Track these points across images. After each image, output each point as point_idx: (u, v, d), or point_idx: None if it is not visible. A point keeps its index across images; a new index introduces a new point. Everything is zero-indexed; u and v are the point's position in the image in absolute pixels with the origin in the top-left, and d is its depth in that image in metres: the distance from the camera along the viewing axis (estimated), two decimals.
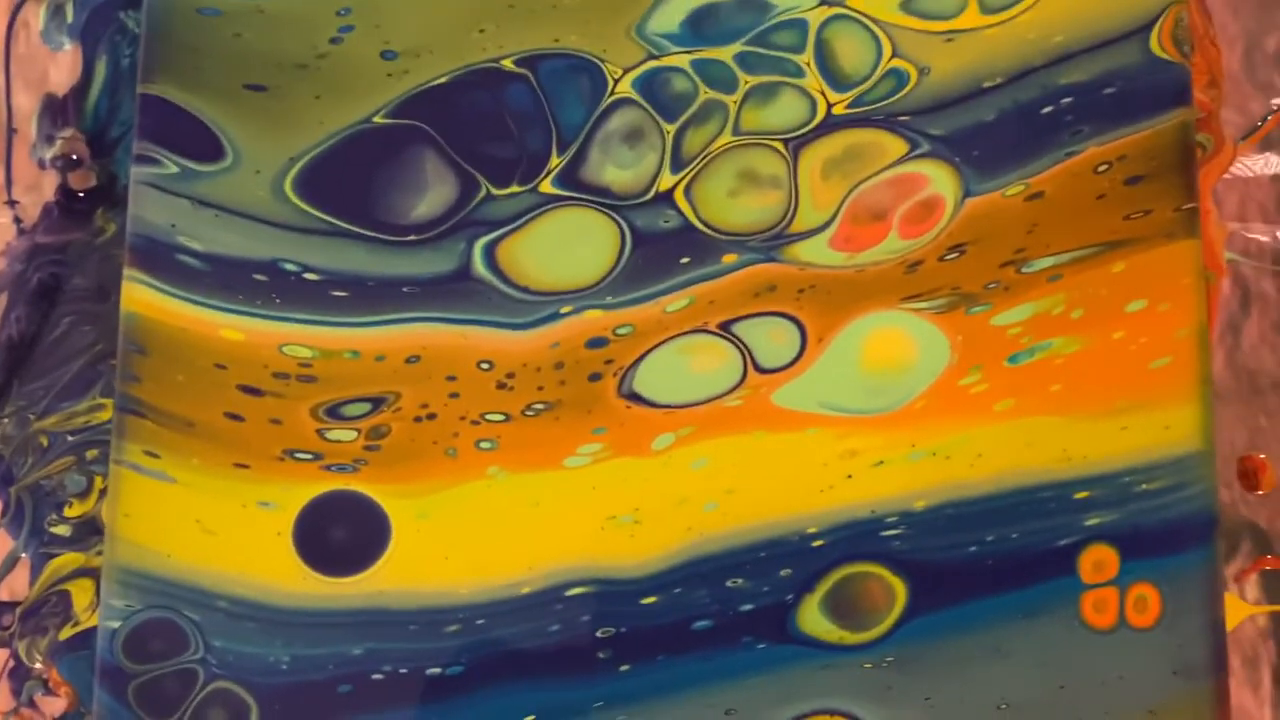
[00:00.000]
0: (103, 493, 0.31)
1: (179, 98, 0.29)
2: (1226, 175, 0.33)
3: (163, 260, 0.28)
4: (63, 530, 0.31)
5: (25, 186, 0.33)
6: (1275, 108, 0.34)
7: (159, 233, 0.29)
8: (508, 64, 0.29)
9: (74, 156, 0.33)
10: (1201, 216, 0.31)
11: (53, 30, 0.33)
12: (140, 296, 0.28)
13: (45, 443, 0.32)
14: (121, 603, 0.28)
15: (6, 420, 0.32)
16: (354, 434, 0.28)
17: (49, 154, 0.33)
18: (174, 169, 0.29)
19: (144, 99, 0.29)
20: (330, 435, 0.28)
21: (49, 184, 0.33)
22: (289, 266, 0.29)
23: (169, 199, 0.29)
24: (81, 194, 0.33)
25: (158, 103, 0.29)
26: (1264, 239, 0.33)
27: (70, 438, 0.32)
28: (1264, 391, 0.33)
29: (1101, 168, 0.29)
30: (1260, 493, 0.32)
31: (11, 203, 0.33)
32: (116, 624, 0.28)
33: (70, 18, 0.33)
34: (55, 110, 0.33)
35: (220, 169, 0.29)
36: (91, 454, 0.32)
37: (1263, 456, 0.32)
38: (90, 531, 0.31)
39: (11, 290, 0.32)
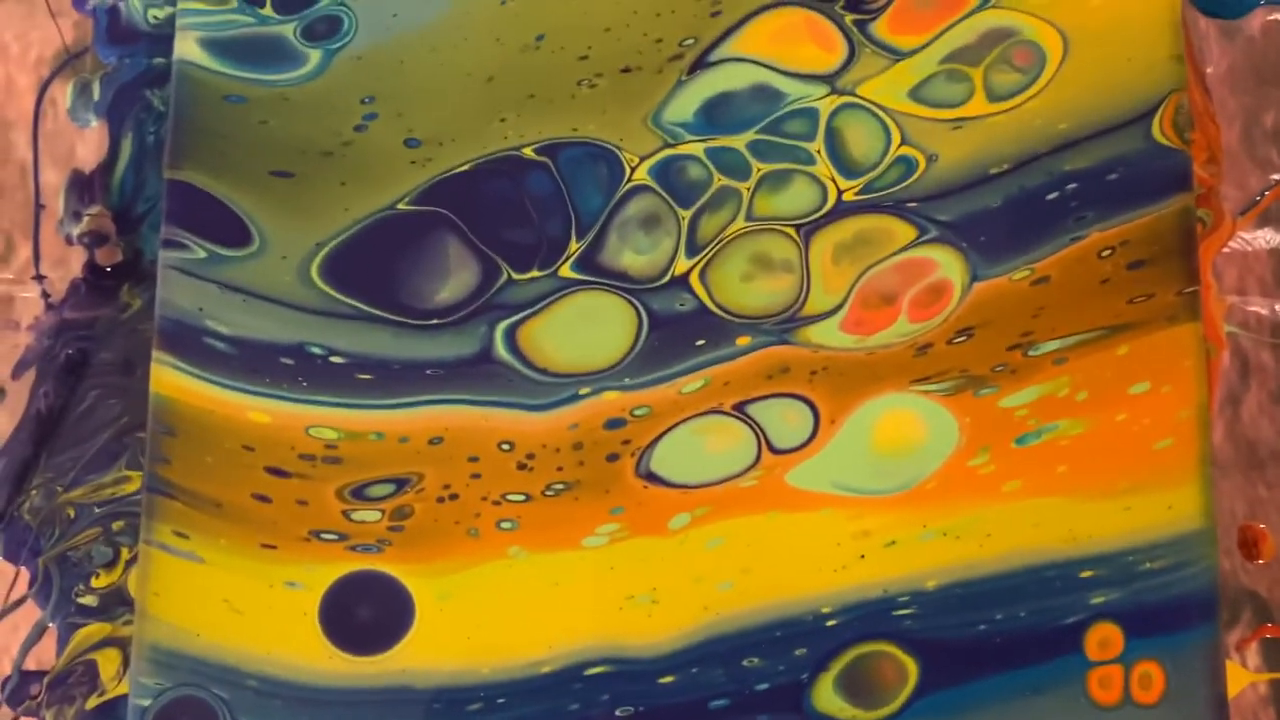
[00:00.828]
0: (129, 563, 0.32)
1: (206, 184, 0.30)
2: (1225, 249, 0.34)
3: (191, 344, 0.29)
4: (89, 600, 0.32)
5: (53, 262, 0.34)
6: (1273, 183, 0.34)
7: (187, 316, 0.29)
8: (528, 152, 0.30)
9: (101, 233, 0.33)
10: (1202, 290, 0.32)
11: (80, 108, 0.34)
12: (169, 379, 0.29)
13: (72, 514, 0.32)
14: (152, 681, 0.28)
15: (34, 492, 0.32)
16: (378, 515, 0.29)
17: (76, 230, 0.33)
18: (202, 254, 0.29)
19: (171, 185, 0.30)
20: (355, 516, 0.29)
21: (76, 260, 0.33)
22: (315, 350, 0.29)
23: (197, 283, 0.29)
24: (108, 270, 0.33)
25: (185, 188, 0.30)
26: (1263, 312, 0.34)
27: (97, 509, 0.32)
28: (1263, 462, 0.33)
29: (1105, 252, 0.30)
30: (1260, 562, 0.33)
31: (39, 278, 0.33)
32: (147, 702, 0.28)
33: (97, 95, 0.34)
34: (82, 187, 0.34)
35: (247, 254, 0.29)
36: (118, 525, 0.32)
37: (1262, 526, 0.33)
38: (117, 602, 0.32)
39: (40, 365, 0.33)
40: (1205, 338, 0.31)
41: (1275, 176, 0.34)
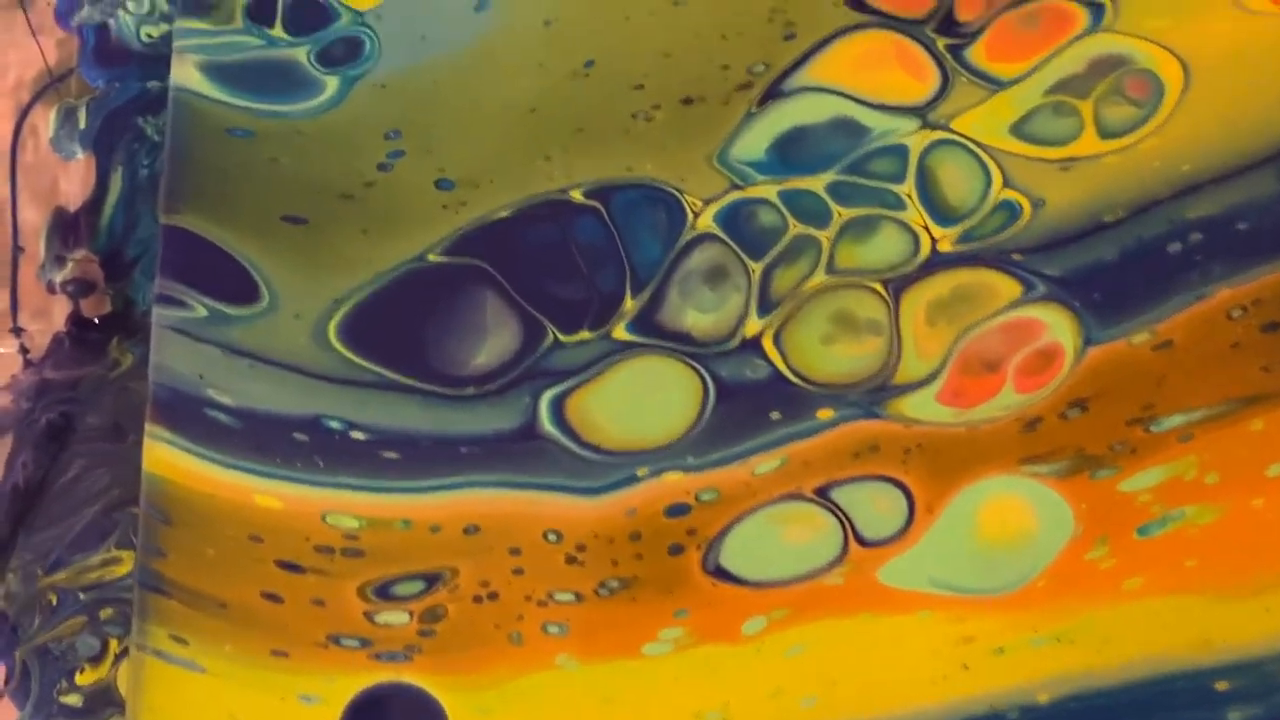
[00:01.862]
0: (118, 657, 0.29)
1: (207, 230, 0.27)
2: None
3: (190, 416, 0.26)
4: (74, 700, 0.29)
5: (32, 312, 0.31)
6: None
7: (185, 384, 0.26)
8: (576, 195, 0.27)
9: (87, 281, 0.30)
10: None
11: (64, 137, 0.31)
12: (164, 457, 0.26)
13: (54, 600, 0.29)
14: None
15: (11, 575, 0.29)
16: (406, 617, 0.26)
17: (59, 277, 0.30)
18: (202, 312, 0.26)
19: (167, 231, 0.27)
20: (380, 618, 0.26)
21: (59, 310, 0.31)
22: (333, 424, 0.26)
23: (197, 346, 0.26)
24: (95, 322, 0.30)
25: (183, 236, 0.27)
26: None
27: (82, 595, 0.29)
28: None
29: (1235, 313, 0.27)
30: None
31: (17, 330, 0.30)
32: None
33: (83, 124, 0.31)
34: (66, 227, 0.31)
35: (255, 312, 0.27)
36: (106, 613, 0.29)
37: None
38: (104, 702, 0.29)
39: (17, 431, 0.30)
40: None
41: None
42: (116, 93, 0.31)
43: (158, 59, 0.31)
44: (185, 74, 0.27)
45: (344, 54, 0.28)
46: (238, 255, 0.27)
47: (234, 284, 0.27)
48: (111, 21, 0.31)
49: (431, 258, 0.27)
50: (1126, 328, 0.27)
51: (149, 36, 0.31)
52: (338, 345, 0.26)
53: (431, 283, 0.27)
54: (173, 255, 0.27)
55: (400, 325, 0.27)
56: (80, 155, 0.31)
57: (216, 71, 0.27)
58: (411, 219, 0.27)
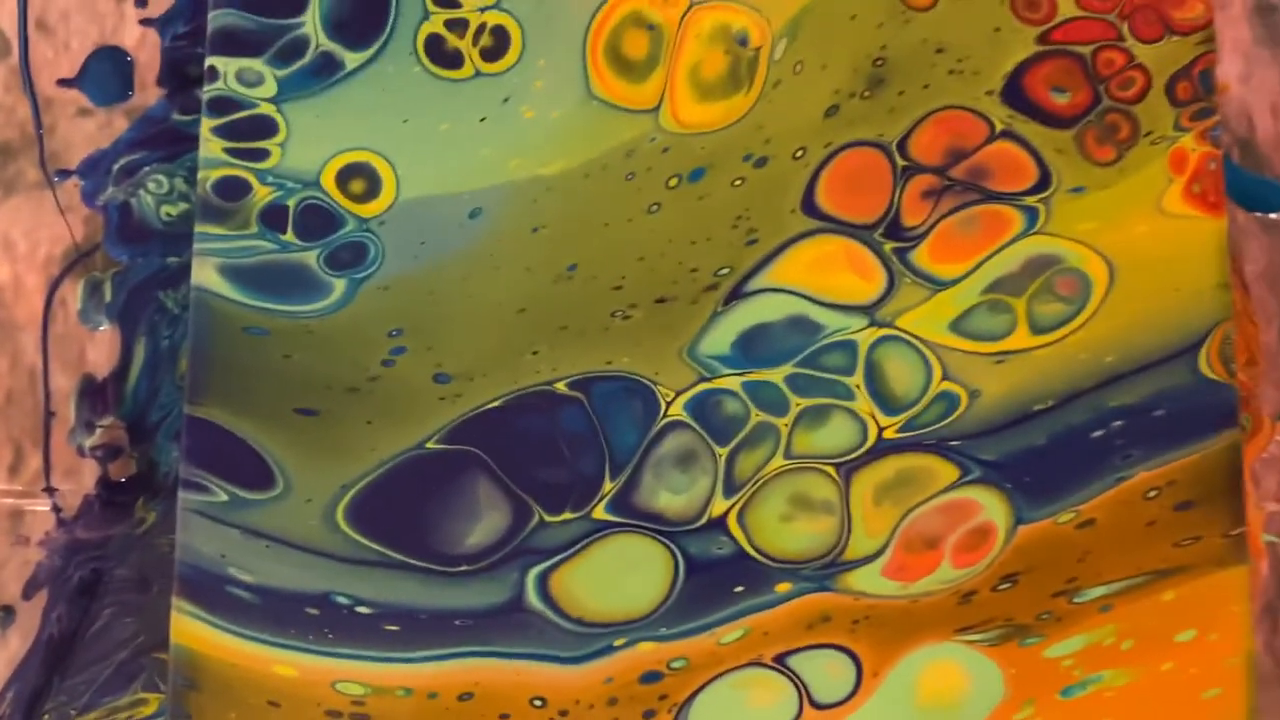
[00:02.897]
0: None
1: (227, 421, 0.29)
2: (1264, 454, 0.34)
3: (213, 592, 0.28)
4: None
5: (64, 472, 0.33)
6: None
7: (209, 563, 0.28)
8: (561, 387, 0.29)
9: (114, 446, 0.32)
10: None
11: (90, 310, 0.33)
12: (190, 630, 0.28)
13: None
14: None
15: (46, 717, 0.31)
16: None
17: (89, 443, 0.33)
18: (224, 497, 0.29)
19: (191, 422, 0.29)
20: None
21: (88, 470, 0.33)
22: (341, 600, 0.28)
23: (219, 528, 0.28)
24: (122, 483, 0.32)
25: (206, 427, 0.29)
26: None
27: None
28: None
29: (1152, 493, 0.29)
30: None
31: (50, 490, 0.33)
32: None
33: (109, 297, 0.33)
34: (94, 395, 0.33)
35: (270, 497, 0.29)
36: None
37: None
38: None
39: (51, 587, 0.32)
40: None
41: None
42: (139, 268, 0.33)
43: (177, 236, 0.33)
44: (206, 276, 0.29)
45: (350, 258, 0.30)
46: (255, 445, 0.29)
47: (252, 471, 0.29)
48: (134, 201, 0.33)
49: (430, 446, 0.29)
50: (1053, 508, 0.29)
51: (168, 215, 0.33)
52: (345, 527, 0.29)
53: (430, 469, 0.29)
54: (196, 445, 0.29)
55: (401, 508, 0.29)
56: (106, 326, 0.33)
57: (234, 274, 0.30)
58: (412, 410, 0.29)
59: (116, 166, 0.33)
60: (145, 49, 0.34)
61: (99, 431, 0.32)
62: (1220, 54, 0.34)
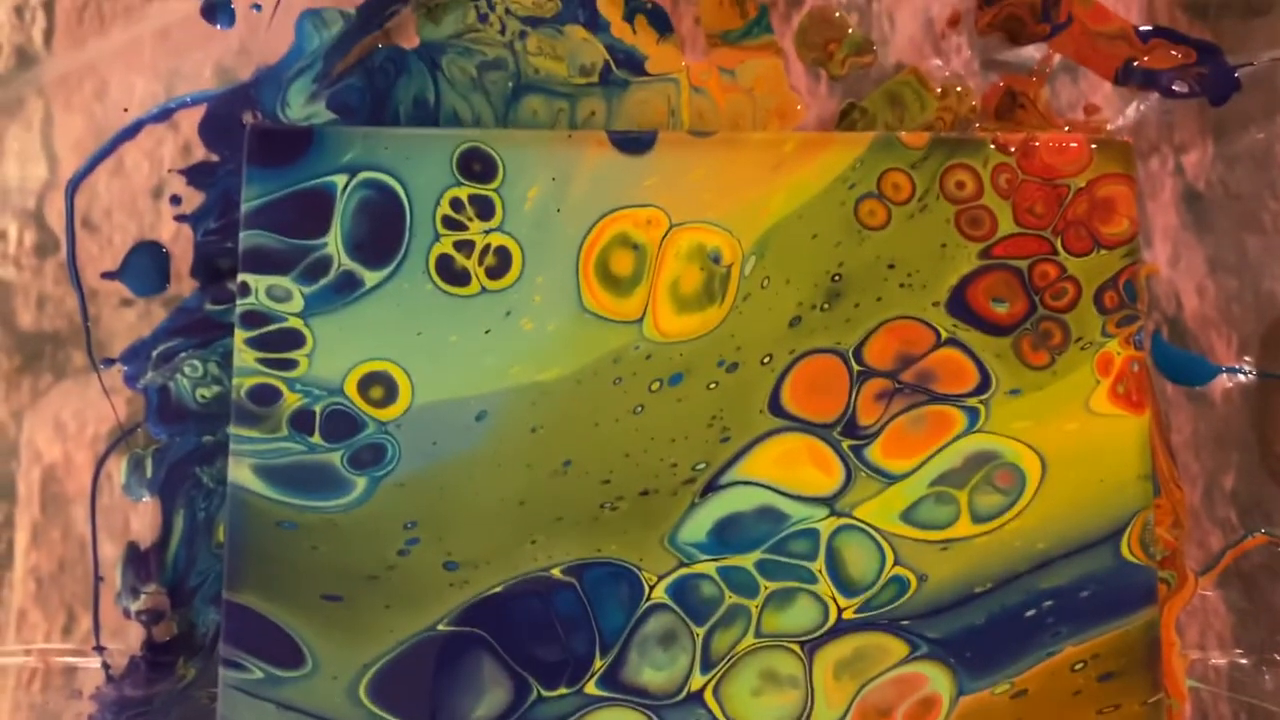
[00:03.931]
0: None
1: (262, 607, 0.32)
2: (1187, 606, 0.37)
3: None
4: None
5: (111, 632, 0.36)
6: (1233, 542, 0.37)
7: None
8: (556, 573, 0.32)
9: (157, 610, 0.36)
10: (1165, 647, 0.35)
11: (134, 483, 0.36)
12: None
13: None
14: None
15: None
16: None
17: (134, 606, 0.36)
18: (259, 674, 0.32)
19: (230, 607, 0.32)
20: None
21: (133, 631, 0.36)
22: None
23: (256, 703, 0.32)
24: (165, 643, 0.36)
25: (243, 611, 0.32)
26: (1221, 663, 0.37)
27: None
28: None
29: (1078, 665, 0.33)
30: None
31: (100, 648, 0.36)
32: None
33: (149, 472, 0.36)
34: (138, 563, 0.36)
35: (301, 675, 0.32)
36: None
37: None
38: None
39: None
40: (1169, 693, 0.34)
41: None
42: (177, 445, 0.36)
43: (211, 416, 0.35)
44: (242, 475, 0.33)
45: (371, 458, 0.33)
46: (286, 628, 0.32)
47: (284, 652, 0.32)
48: (171, 384, 0.36)
49: (441, 628, 0.32)
50: (991, 680, 0.33)
51: (203, 397, 0.36)
52: (368, 702, 0.32)
53: (441, 649, 0.32)
54: (234, 627, 0.32)
55: (416, 685, 0.32)
56: (147, 498, 0.36)
57: (267, 473, 0.33)
58: (425, 595, 0.32)
59: (155, 353, 0.36)
60: (179, 243, 0.37)
61: (143, 597, 0.36)
62: (1151, 238, 0.38)
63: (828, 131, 0.36)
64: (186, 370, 0.36)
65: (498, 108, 0.36)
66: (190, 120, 0.36)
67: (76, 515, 0.36)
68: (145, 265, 0.36)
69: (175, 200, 0.36)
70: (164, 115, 0.36)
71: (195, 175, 0.36)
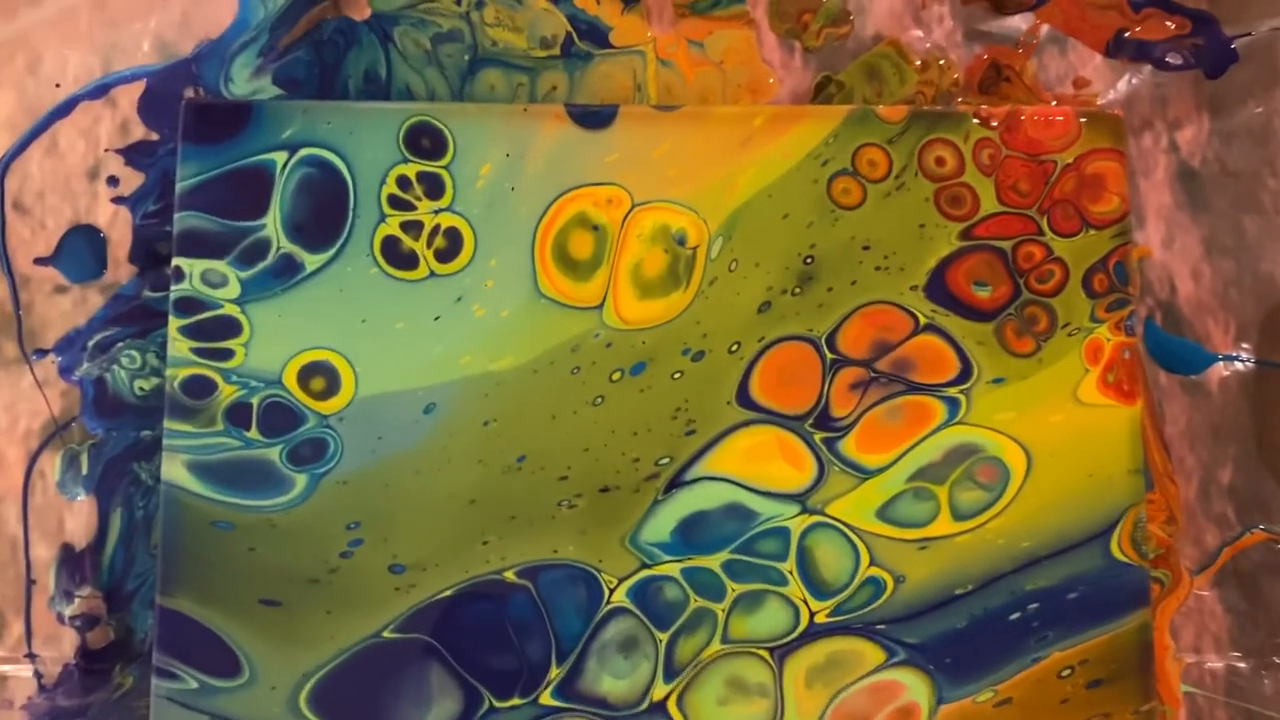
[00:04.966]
0: None
1: (196, 612, 0.30)
2: (1182, 607, 0.35)
3: None
4: None
5: (44, 638, 0.34)
6: (1229, 540, 0.36)
7: None
8: (509, 575, 0.31)
9: (92, 615, 0.34)
10: (1159, 651, 0.33)
11: (68, 481, 0.34)
12: None
13: None
14: None
15: None
16: None
17: (68, 611, 0.34)
18: (193, 684, 0.30)
19: (163, 613, 0.30)
20: None
21: (68, 637, 0.34)
22: None
23: (190, 714, 0.30)
24: (101, 650, 0.34)
25: (176, 617, 0.30)
26: (1218, 667, 0.35)
27: None
28: None
29: (1065, 672, 0.31)
30: None
31: (32, 656, 0.34)
32: None
33: (85, 469, 0.34)
34: (73, 565, 0.34)
35: (238, 685, 0.30)
36: None
37: None
38: None
39: None
40: (1162, 699, 0.33)
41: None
42: (114, 441, 0.34)
43: (150, 410, 0.34)
44: (174, 471, 0.31)
45: (311, 454, 0.31)
46: (222, 635, 0.30)
47: (219, 660, 0.30)
48: (108, 376, 0.34)
49: (386, 635, 0.30)
50: (973, 688, 0.31)
51: (141, 390, 0.34)
52: (308, 713, 0.30)
53: (386, 657, 0.30)
54: (167, 634, 0.30)
55: (360, 695, 0.30)
56: (83, 497, 0.34)
57: (201, 469, 0.31)
58: (369, 600, 0.30)
59: (91, 343, 0.34)
60: (117, 226, 0.35)
61: (78, 601, 0.34)
62: (1143, 219, 0.36)
63: (800, 105, 0.34)
64: (124, 361, 0.34)
65: (453, 82, 0.34)
66: (129, 97, 0.35)
67: (7, 515, 0.34)
68: (80, 250, 0.35)
69: (112, 181, 0.35)
70: (100, 91, 0.35)
71: (133, 155, 0.35)
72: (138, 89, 0.35)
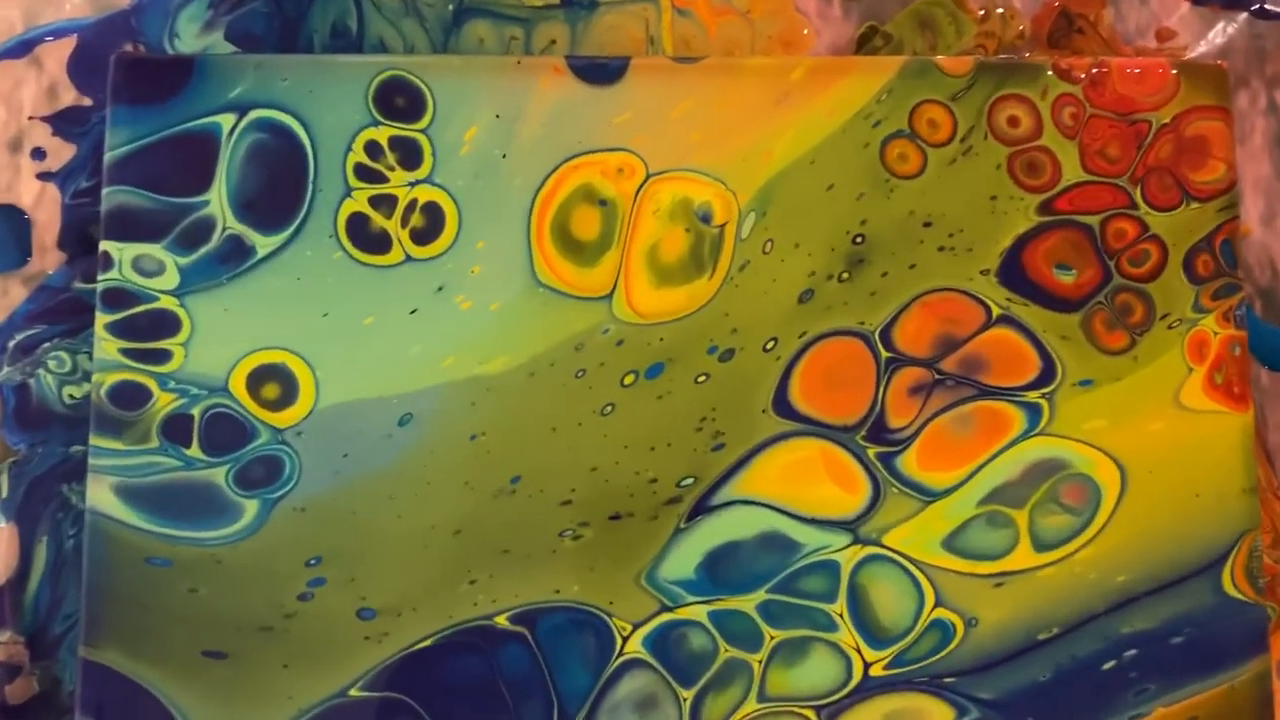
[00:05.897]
0: None
1: (126, 666, 0.27)
2: None
3: None
4: None
5: None
6: None
7: None
8: (501, 621, 0.27)
9: (13, 664, 0.30)
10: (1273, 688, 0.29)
11: None
12: None
13: None
14: None
15: None
16: None
17: None
18: None
19: (86, 666, 0.27)
20: None
21: None
22: None
23: None
24: (23, 705, 0.30)
25: (101, 672, 0.27)
26: None
27: None
28: None
29: None
30: None
31: None
32: None
33: (5, 492, 0.31)
34: None
35: None
36: None
37: None
38: None
39: None
40: None
41: None
42: (39, 458, 0.31)
43: (81, 421, 0.30)
44: (101, 496, 0.27)
45: (263, 475, 0.27)
46: (156, 693, 0.27)
47: None
48: (32, 382, 0.31)
49: (354, 693, 0.27)
50: None
51: (71, 398, 0.31)
52: None
53: (353, 719, 0.27)
54: (90, 693, 0.27)
55: None
56: (3, 524, 0.31)
57: (133, 495, 0.27)
58: (333, 652, 0.27)
59: (13, 343, 0.31)
60: (44, 207, 0.32)
61: None
62: (1241, 193, 0.32)
63: (845, 56, 0.31)
64: (51, 364, 0.31)
65: (435, 36, 0.31)
66: (56, 55, 0.32)
67: None
68: (1, 234, 0.32)
69: (38, 154, 0.32)
70: (23, 49, 0.32)
71: (62, 124, 0.32)
72: (67, 46, 0.32)
